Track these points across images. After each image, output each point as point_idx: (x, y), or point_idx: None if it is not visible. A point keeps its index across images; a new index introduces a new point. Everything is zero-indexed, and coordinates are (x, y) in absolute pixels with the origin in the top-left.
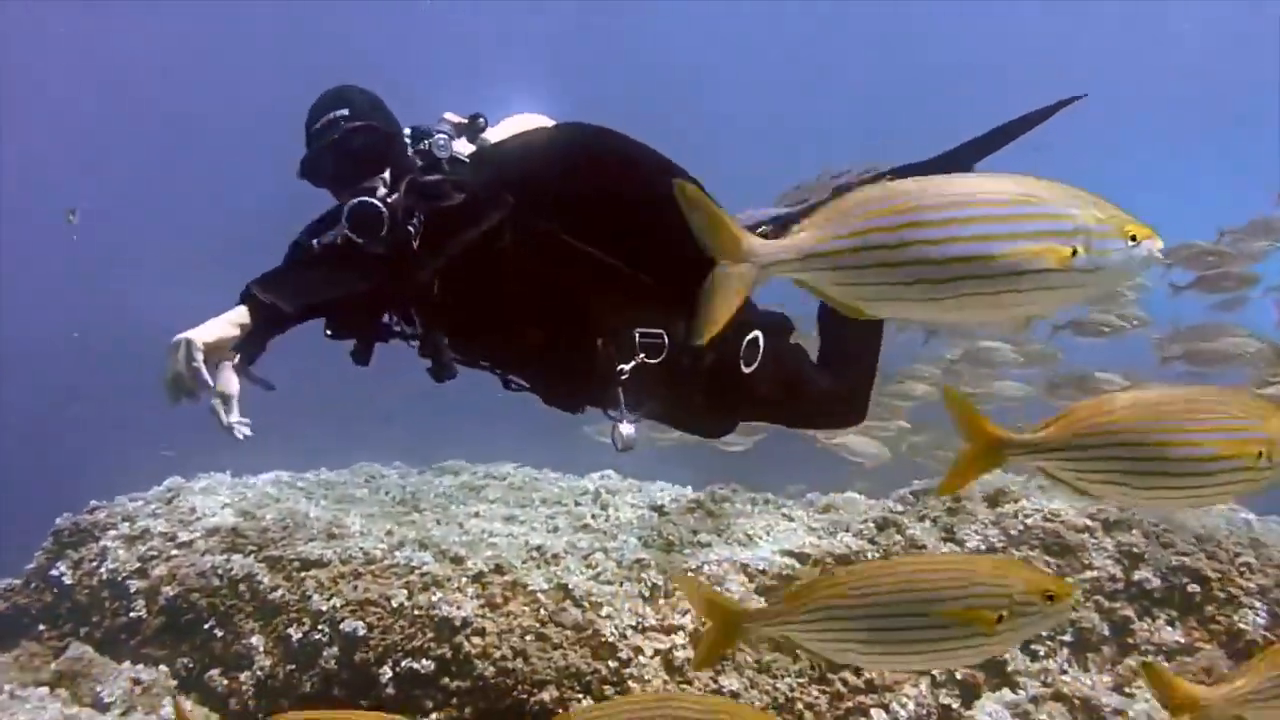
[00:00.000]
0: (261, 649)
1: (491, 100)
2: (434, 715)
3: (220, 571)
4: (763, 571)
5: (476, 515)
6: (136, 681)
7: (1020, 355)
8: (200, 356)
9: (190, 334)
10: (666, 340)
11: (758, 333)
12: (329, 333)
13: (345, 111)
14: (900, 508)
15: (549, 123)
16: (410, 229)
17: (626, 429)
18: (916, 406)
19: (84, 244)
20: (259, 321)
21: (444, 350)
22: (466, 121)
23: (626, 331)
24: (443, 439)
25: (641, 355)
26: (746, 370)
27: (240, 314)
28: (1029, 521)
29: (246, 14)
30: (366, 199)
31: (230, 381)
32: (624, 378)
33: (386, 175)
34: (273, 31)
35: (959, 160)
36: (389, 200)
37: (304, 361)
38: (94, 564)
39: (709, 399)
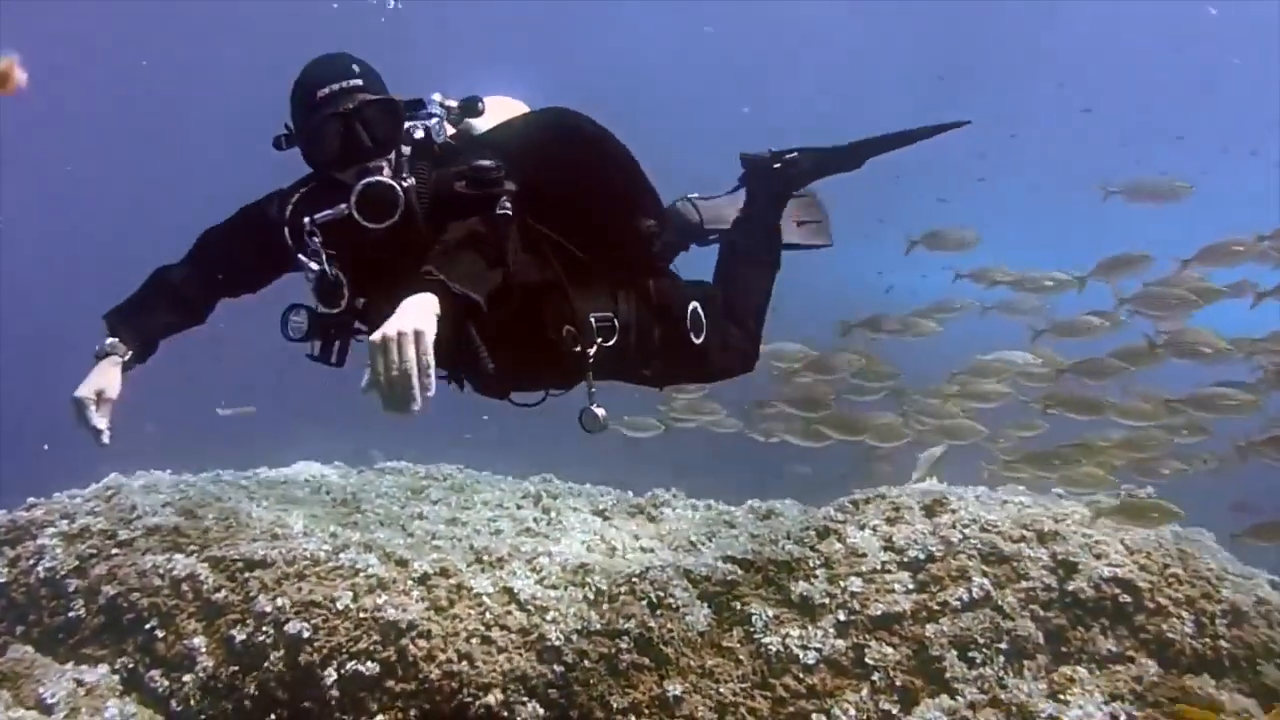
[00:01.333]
0: (204, 650)
1: (465, 83)
2: (379, 717)
3: (162, 571)
4: (706, 578)
5: (419, 517)
6: (79, 682)
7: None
8: (90, 410)
9: (78, 393)
10: (616, 323)
11: (695, 304)
12: (302, 334)
13: (358, 82)
14: (840, 516)
15: (522, 106)
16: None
17: (599, 411)
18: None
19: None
20: (453, 309)
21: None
22: (458, 105)
23: (585, 317)
24: (383, 439)
25: (599, 339)
26: (698, 341)
27: (432, 302)
28: (966, 531)
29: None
30: (486, 173)
31: (111, 386)
32: (590, 361)
33: (392, 156)
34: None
35: (857, 155)
36: (462, 184)
37: (241, 362)
38: (31, 562)
39: (665, 371)
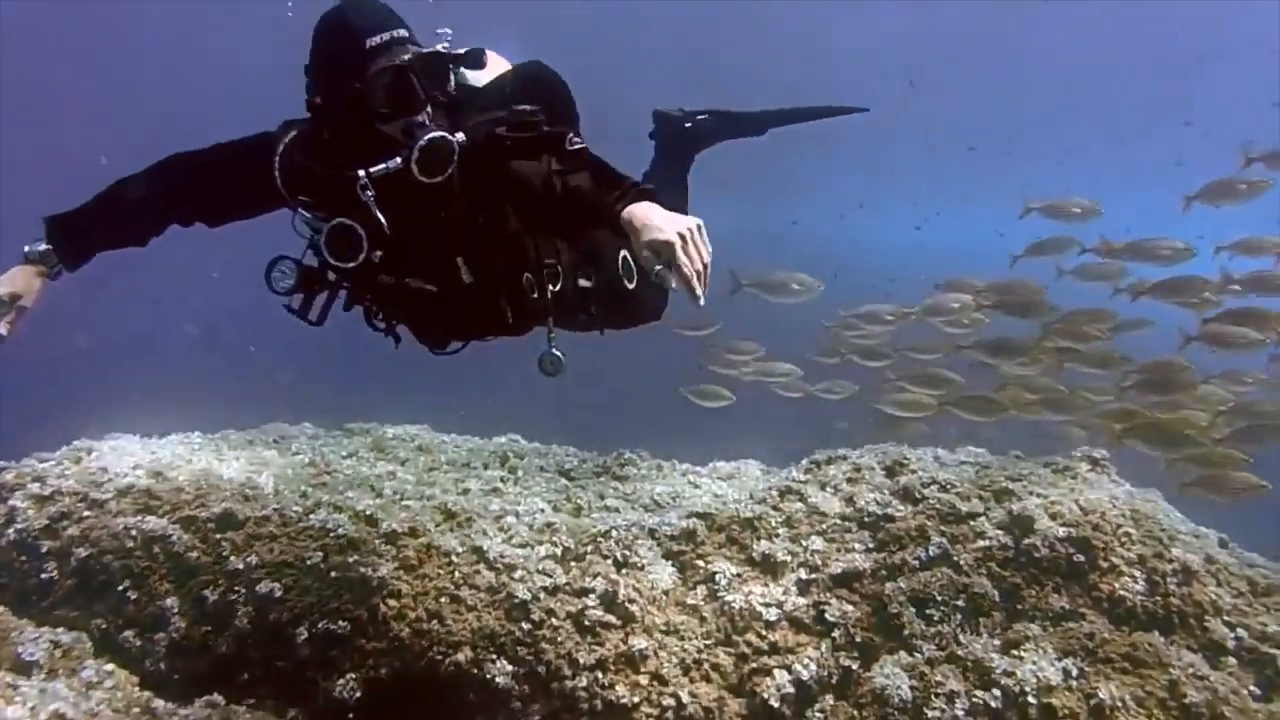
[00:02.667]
0: (176, 610)
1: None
2: (350, 675)
3: (134, 532)
4: (671, 537)
5: (389, 477)
6: (56, 644)
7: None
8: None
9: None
10: (560, 270)
11: (624, 251)
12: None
13: (405, 33)
14: (803, 476)
15: (505, 61)
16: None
17: (558, 354)
18: None
19: None
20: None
21: (374, 288)
22: (463, 54)
23: (540, 264)
24: (349, 399)
25: (550, 286)
26: (630, 286)
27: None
28: (925, 491)
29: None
30: (529, 117)
31: (30, 295)
32: (547, 307)
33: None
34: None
35: (762, 123)
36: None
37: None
38: (2, 524)
39: (601, 316)
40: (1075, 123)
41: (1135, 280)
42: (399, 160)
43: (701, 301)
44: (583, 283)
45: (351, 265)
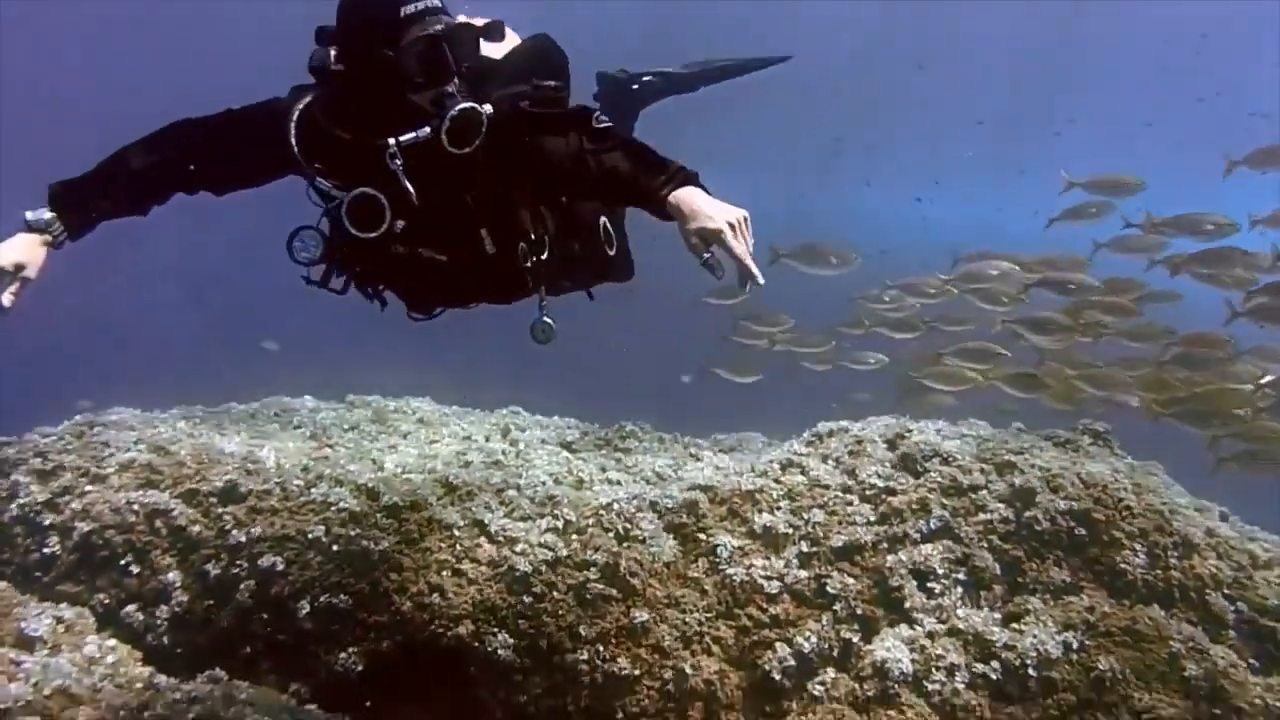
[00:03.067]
0: (179, 584)
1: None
2: (352, 649)
3: (136, 506)
4: (672, 509)
5: (390, 449)
6: (59, 619)
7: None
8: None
9: None
10: (547, 238)
11: (603, 217)
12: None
13: (438, 2)
14: (804, 449)
15: (514, 34)
16: None
17: (549, 321)
18: None
19: None
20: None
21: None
22: (487, 26)
23: (529, 231)
24: (350, 372)
25: (539, 255)
26: (611, 252)
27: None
28: (927, 464)
29: None
30: (553, 92)
31: (34, 264)
32: (539, 274)
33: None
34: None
35: (695, 82)
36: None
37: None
38: (4, 499)
39: (584, 281)
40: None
41: (1173, 254)
42: (429, 130)
43: (761, 282)
44: (568, 250)
45: (373, 235)
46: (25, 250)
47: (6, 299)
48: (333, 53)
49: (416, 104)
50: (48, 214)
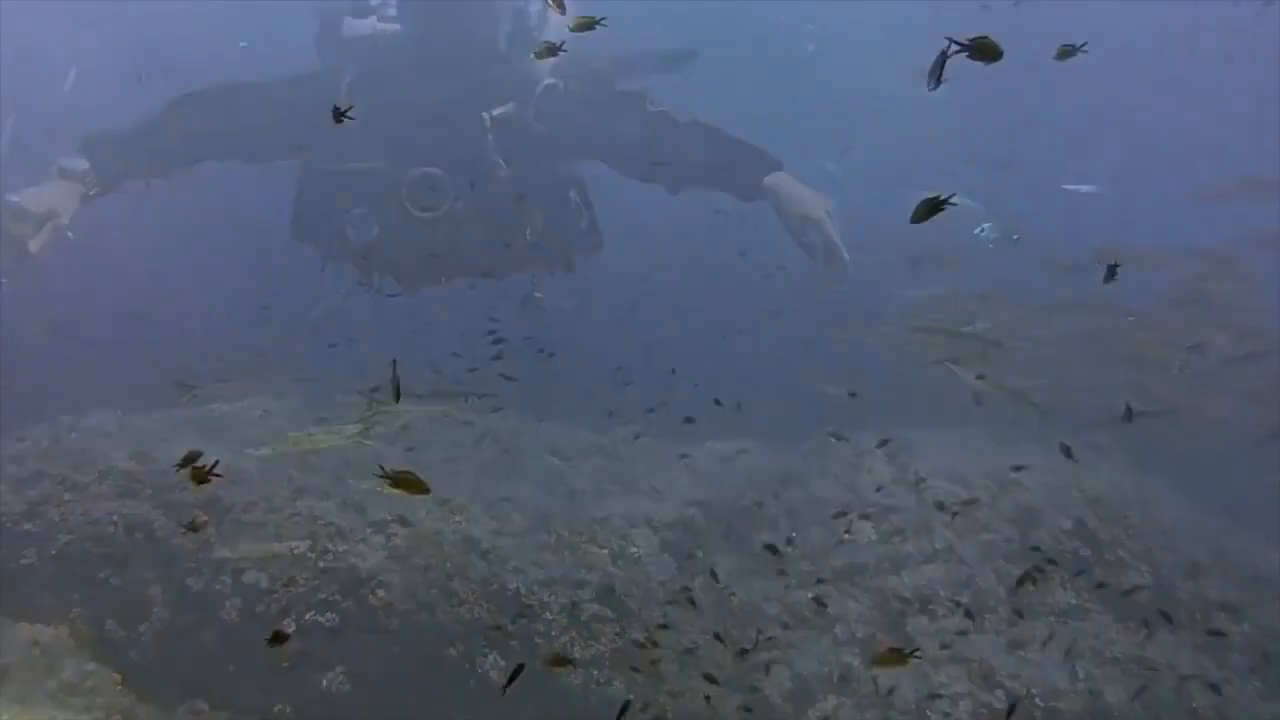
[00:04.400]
0: (160, 600)
1: None
2: (338, 669)
3: (115, 518)
4: (669, 526)
5: (377, 459)
6: (35, 643)
7: None
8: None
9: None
10: (536, 214)
11: (574, 190)
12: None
13: None
14: (802, 462)
15: None
16: None
17: (538, 295)
18: None
19: None
20: None
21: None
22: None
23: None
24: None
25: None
26: (582, 226)
27: None
28: (930, 481)
29: None
30: None
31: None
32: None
33: None
34: None
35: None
36: None
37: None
38: None
39: (561, 254)
40: None
41: None
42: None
43: (848, 266)
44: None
45: (436, 214)
46: (57, 197)
47: (34, 245)
48: None
49: None
50: (83, 164)
